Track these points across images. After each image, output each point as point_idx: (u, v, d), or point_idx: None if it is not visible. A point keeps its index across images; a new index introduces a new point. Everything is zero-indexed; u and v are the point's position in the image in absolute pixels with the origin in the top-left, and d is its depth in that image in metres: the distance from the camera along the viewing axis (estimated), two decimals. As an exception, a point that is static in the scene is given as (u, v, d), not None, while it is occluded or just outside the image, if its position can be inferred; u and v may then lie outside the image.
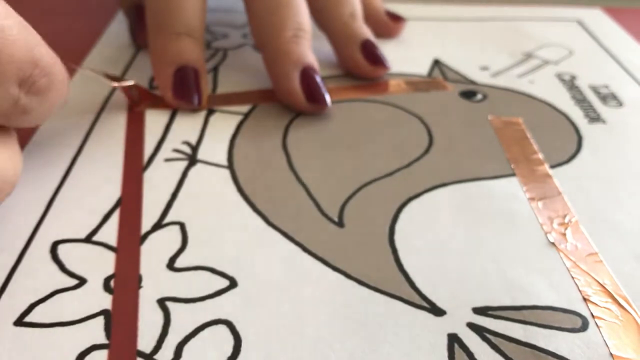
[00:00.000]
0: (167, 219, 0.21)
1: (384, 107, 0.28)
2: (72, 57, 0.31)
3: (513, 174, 0.24)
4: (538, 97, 0.29)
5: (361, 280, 0.19)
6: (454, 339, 0.17)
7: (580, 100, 0.29)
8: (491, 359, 0.17)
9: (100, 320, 0.17)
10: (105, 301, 0.18)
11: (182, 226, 0.21)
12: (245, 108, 0.28)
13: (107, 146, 0.25)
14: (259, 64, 0.29)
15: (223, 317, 0.17)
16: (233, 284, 0.19)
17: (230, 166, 0.24)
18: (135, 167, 0.23)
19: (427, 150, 0.25)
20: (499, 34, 0.36)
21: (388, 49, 0.34)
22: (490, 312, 0.18)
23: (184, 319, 0.17)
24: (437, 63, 0.32)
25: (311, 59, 0.27)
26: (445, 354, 0.17)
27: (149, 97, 0.28)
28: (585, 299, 0.18)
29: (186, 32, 0.27)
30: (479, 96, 0.29)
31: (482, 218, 0.22)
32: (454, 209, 0.22)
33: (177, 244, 0.20)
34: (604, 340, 0.17)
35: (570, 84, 0.31)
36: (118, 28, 0.34)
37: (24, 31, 0.18)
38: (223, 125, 0.26)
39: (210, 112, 0.27)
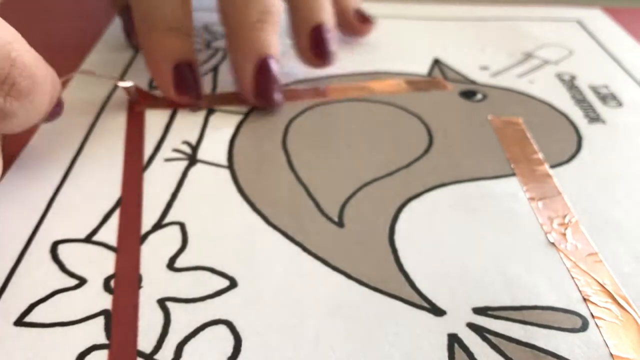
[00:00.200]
0: (167, 219, 0.21)
1: (384, 106, 0.28)
2: (71, 59, 0.31)
3: (513, 174, 0.24)
4: (538, 97, 0.29)
5: (361, 280, 0.19)
6: (454, 339, 0.17)
7: (580, 100, 0.29)
8: (491, 358, 0.17)
9: (100, 320, 0.17)
10: (106, 301, 0.18)
11: (182, 226, 0.21)
12: (245, 108, 0.28)
13: (107, 146, 0.25)
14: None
15: (223, 317, 0.17)
16: (233, 284, 0.19)
17: (230, 166, 0.24)
18: (135, 167, 0.23)
19: (427, 150, 0.25)
20: (498, 33, 0.36)
21: (389, 48, 0.34)
22: (490, 312, 0.18)
23: (184, 319, 0.17)
24: (437, 63, 0.32)
25: (272, 48, 0.26)
26: (446, 354, 0.17)
27: (149, 98, 0.28)
28: (585, 299, 0.18)
29: (176, 27, 0.27)
30: (479, 96, 0.29)
31: (482, 218, 0.22)
32: (454, 209, 0.22)
33: (177, 244, 0.20)
34: (604, 340, 0.17)
35: (570, 84, 0.31)
36: (117, 30, 0.34)
37: None
38: (223, 125, 0.26)
39: (210, 111, 0.27)
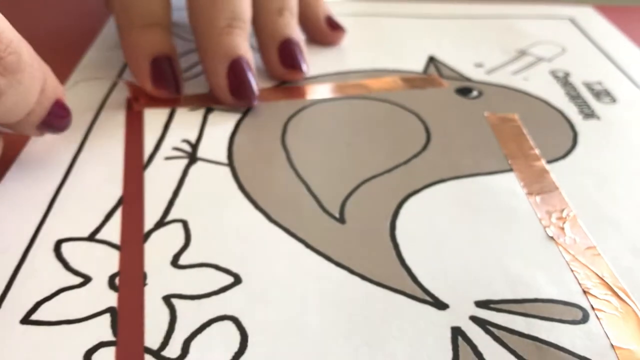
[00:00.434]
0: (170, 217, 0.21)
1: (381, 104, 0.28)
2: (69, 57, 0.31)
3: (510, 170, 0.24)
4: (533, 94, 0.30)
5: (364, 276, 0.19)
6: (457, 332, 0.17)
7: (575, 96, 0.30)
8: (494, 351, 0.17)
9: (106, 318, 0.17)
10: (111, 299, 0.18)
11: (185, 224, 0.21)
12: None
13: (107, 145, 0.25)
14: (258, 63, 0.29)
15: (229, 313, 0.18)
16: (237, 280, 0.19)
17: (231, 164, 0.24)
18: (135, 166, 0.23)
19: (425, 147, 0.25)
20: (492, 31, 0.36)
21: (384, 46, 0.34)
22: (492, 305, 0.18)
23: (190, 315, 0.17)
24: (432, 60, 0.33)
25: (243, 50, 0.27)
26: (450, 347, 0.17)
27: (146, 95, 0.27)
28: (585, 292, 0.19)
29: (155, 22, 0.27)
30: (475, 93, 0.29)
31: (482, 213, 0.22)
32: (453, 205, 0.22)
33: (181, 242, 0.20)
34: (605, 332, 0.17)
35: (564, 81, 0.31)
36: (114, 28, 0.34)
37: None
38: (222, 122, 0.26)
39: (209, 110, 0.27)
